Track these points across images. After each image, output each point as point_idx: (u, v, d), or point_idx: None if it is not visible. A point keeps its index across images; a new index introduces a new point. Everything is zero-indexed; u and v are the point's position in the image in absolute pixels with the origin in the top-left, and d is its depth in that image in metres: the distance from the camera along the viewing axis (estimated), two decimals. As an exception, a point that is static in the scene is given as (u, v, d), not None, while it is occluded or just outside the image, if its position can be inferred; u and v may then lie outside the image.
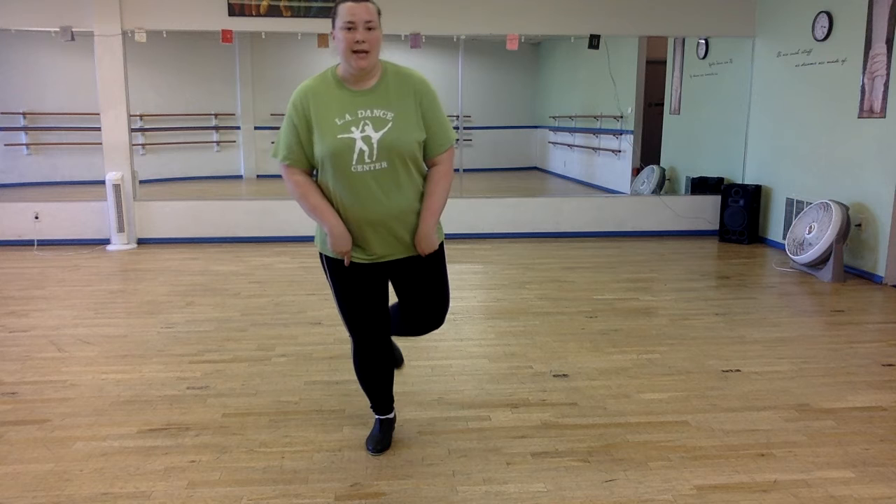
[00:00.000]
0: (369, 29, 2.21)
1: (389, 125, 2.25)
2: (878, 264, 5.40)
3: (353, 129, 2.23)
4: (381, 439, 2.66)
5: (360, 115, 2.25)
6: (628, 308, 4.63)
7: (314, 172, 2.40)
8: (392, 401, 2.72)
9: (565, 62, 11.74)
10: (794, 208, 6.41)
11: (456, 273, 5.66)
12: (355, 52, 2.21)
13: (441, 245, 2.51)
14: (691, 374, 3.44)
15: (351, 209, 2.31)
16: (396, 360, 2.84)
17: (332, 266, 2.45)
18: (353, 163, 2.23)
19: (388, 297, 2.54)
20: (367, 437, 2.71)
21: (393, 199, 2.30)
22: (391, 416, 2.73)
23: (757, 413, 2.99)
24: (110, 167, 6.71)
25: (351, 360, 2.65)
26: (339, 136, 2.22)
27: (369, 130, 2.24)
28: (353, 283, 2.44)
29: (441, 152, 2.39)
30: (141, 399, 3.13)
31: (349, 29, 2.20)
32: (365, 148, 2.23)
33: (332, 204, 2.35)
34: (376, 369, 2.61)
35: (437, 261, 2.51)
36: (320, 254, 2.48)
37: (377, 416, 2.72)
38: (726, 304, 4.76)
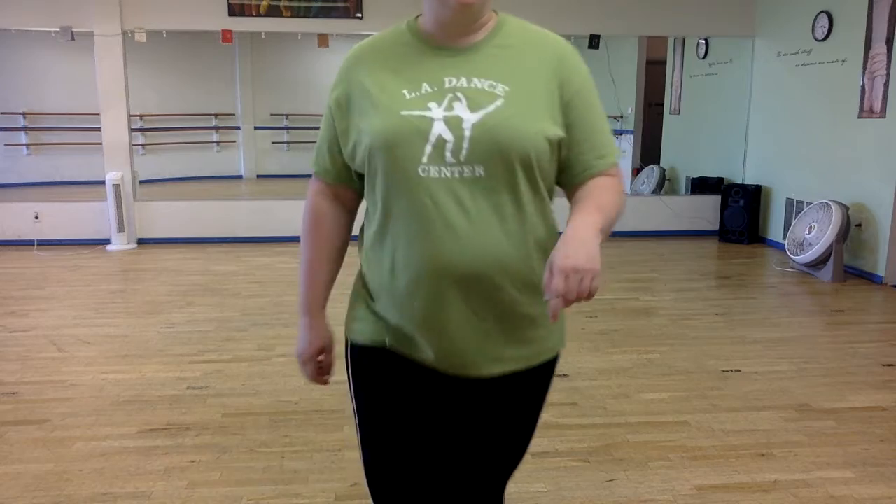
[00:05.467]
0: None
1: (498, 102, 1.22)
2: (878, 264, 5.40)
3: (432, 104, 1.23)
4: None
5: (447, 86, 1.24)
6: (628, 308, 4.63)
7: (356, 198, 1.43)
8: None
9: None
10: (794, 208, 6.41)
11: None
12: None
13: (551, 365, 1.38)
14: (691, 374, 3.44)
15: (409, 251, 1.23)
16: None
17: (358, 363, 1.42)
18: (423, 160, 1.20)
19: (450, 443, 1.39)
20: None
21: (488, 237, 1.22)
22: None
23: (757, 413, 2.99)
24: (110, 167, 6.71)
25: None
26: (404, 113, 1.22)
27: (460, 109, 1.22)
28: (391, 406, 1.35)
29: (600, 170, 1.30)
30: (141, 399, 3.13)
31: None
32: (448, 136, 1.20)
33: (376, 265, 1.31)
34: None
35: (536, 392, 1.39)
36: (346, 340, 1.46)
37: None
38: (726, 304, 4.76)
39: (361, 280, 1.40)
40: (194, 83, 11.60)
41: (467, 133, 1.20)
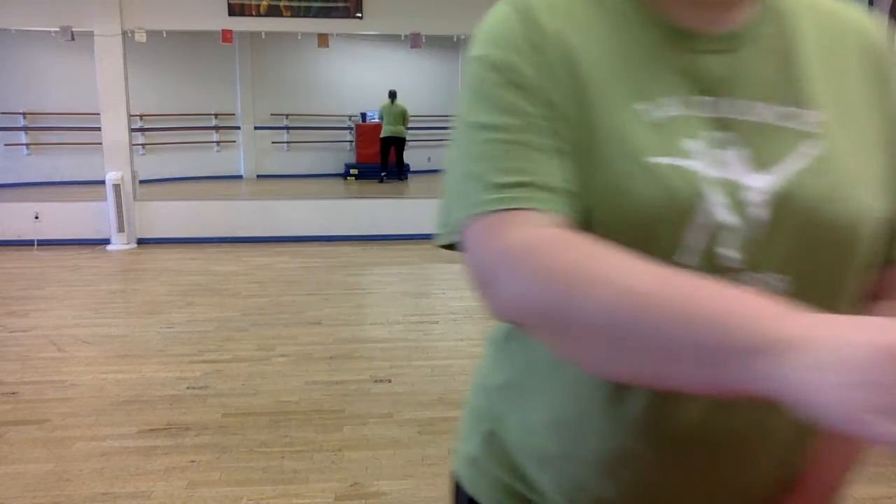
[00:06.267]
0: None
1: (811, 150, 0.61)
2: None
3: (691, 144, 0.60)
4: None
5: (701, 111, 0.61)
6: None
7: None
8: None
9: (565, 62, 11.74)
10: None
11: (456, 273, 5.66)
12: None
13: None
14: (691, 374, 3.44)
15: (641, 411, 0.61)
16: None
17: None
18: (681, 258, 0.59)
19: None
20: None
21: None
22: None
23: (757, 413, 2.99)
24: (110, 167, 6.71)
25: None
26: (651, 161, 0.59)
27: (736, 164, 0.60)
28: None
29: None
30: (141, 399, 3.13)
31: None
32: (728, 217, 0.59)
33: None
34: None
35: None
36: (458, 485, 0.80)
37: None
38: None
39: (490, 411, 0.76)
40: (194, 83, 11.60)
41: (757, 213, 0.60)
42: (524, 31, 0.63)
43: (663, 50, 0.63)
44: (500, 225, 0.56)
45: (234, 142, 12.19)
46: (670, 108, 0.61)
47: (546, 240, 0.54)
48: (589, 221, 0.59)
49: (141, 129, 10.86)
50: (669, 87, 0.62)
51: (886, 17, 5.26)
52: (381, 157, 10.97)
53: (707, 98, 0.62)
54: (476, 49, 0.65)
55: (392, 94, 10.49)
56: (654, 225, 0.59)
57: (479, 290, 0.57)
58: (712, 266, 0.59)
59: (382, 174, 11.01)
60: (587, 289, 0.48)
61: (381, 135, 10.72)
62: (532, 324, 0.53)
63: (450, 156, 0.64)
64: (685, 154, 0.60)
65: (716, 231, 0.59)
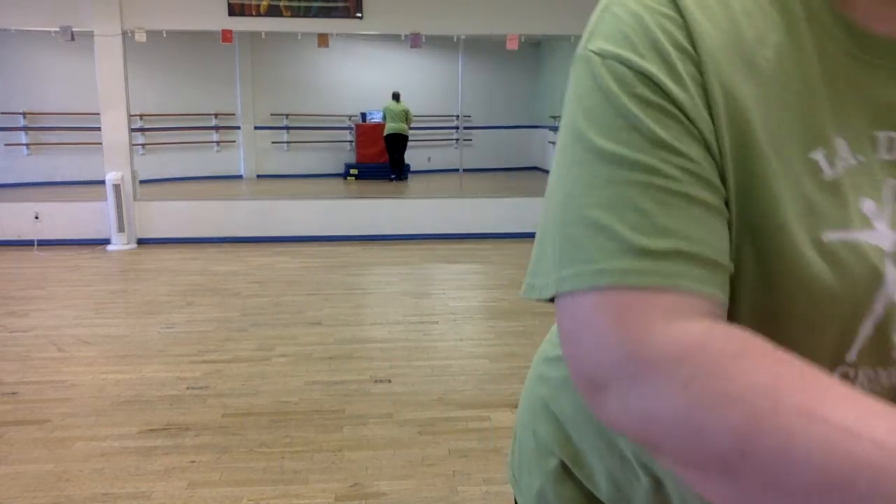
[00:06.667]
0: None
1: None
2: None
3: (870, 207, 0.47)
4: None
5: (882, 143, 0.48)
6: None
7: None
8: None
9: (565, 62, 11.73)
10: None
11: (456, 273, 5.66)
12: None
13: None
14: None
15: None
16: None
17: None
18: (849, 354, 0.49)
19: None
20: None
21: None
22: None
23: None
24: (110, 167, 6.71)
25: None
26: (831, 239, 0.46)
27: None
28: None
29: None
30: (141, 399, 3.13)
31: None
32: None
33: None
34: None
35: None
36: None
37: None
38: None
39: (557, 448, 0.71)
40: (194, 83, 11.59)
41: None
42: (674, 31, 0.45)
43: (839, 63, 0.47)
44: (641, 310, 0.41)
45: (234, 142, 12.19)
46: (848, 155, 0.47)
47: (715, 345, 0.39)
48: (758, 317, 0.46)
49: (141, 129, 10.86)
50: (847, 121, 0.47)
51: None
52: (388, 157, 11.01)
53: (892, 133, 0.48)
54: (599, 42, 0.47)
55: (395, 96, 10.57)
56: (824, 319, 0.46)
57: (586, 388, 0.43)
58: (878, 359, 0.49)
59: (392, 176, 11.06)
60: (782, 429, 0.34)
61: (385, 132, 10.76)
62: (671, 455, 0.39)
63: (558, 185, 0.47)
64: (865, 222, 0.47)
65: (891, 319, 0.47)
